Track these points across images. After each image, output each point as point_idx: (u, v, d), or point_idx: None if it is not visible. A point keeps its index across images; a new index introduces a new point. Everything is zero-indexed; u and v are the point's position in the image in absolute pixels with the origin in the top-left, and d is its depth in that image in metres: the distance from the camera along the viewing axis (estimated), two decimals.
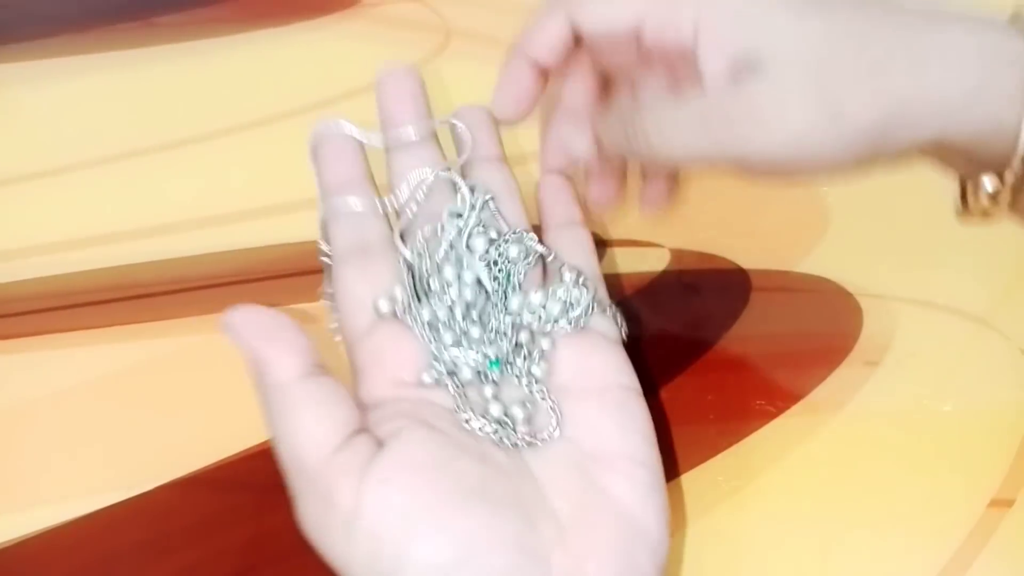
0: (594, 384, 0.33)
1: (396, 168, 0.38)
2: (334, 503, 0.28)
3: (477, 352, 0.33)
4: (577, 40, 0.37)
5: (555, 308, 0.34)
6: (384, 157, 0.38)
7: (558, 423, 0.32)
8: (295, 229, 0.46)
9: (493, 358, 0.33)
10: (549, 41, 0.36)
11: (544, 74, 0.37)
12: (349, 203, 0.36)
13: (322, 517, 0.28)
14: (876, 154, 0.33)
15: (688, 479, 0.38)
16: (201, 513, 0.38)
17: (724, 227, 0.45)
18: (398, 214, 0.37)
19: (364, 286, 0.34)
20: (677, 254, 0.45)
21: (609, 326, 0.36)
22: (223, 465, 0.39)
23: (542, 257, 0.36)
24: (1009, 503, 0.37)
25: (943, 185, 0.47)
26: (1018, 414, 0.39)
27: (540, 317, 0.34)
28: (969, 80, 0.31)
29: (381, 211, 0.36)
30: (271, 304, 0.43)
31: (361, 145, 0.37)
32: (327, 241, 0.36)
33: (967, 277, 0.45)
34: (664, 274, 0.44)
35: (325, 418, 0.29)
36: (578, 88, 0.39)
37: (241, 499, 0.38)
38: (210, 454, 0.38)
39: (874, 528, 0.37)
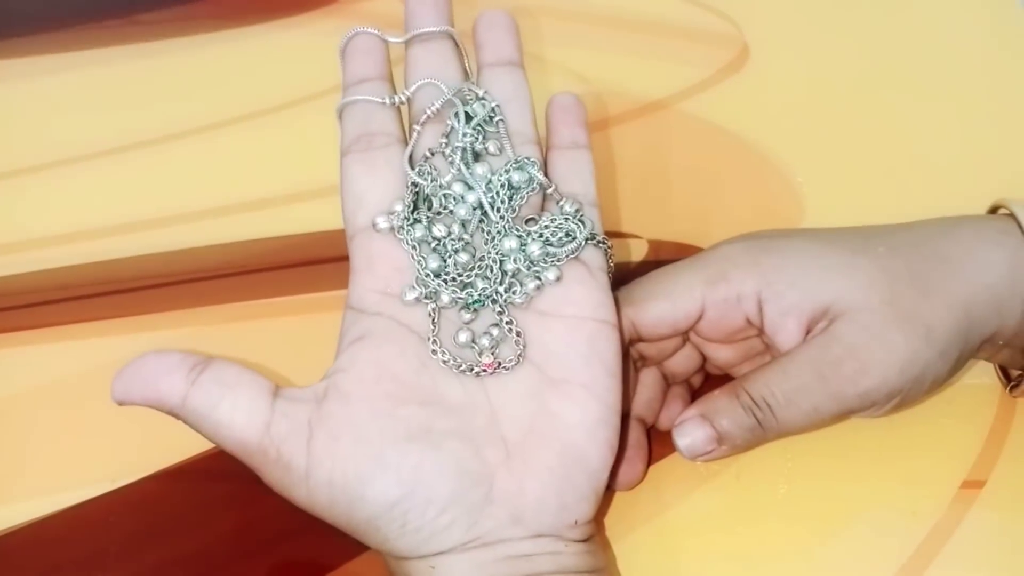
0: (571, 314, 0.34)
1: (411, 68, 0.38)
2: (289, 467, 0.31)
3: (462, 287, 0.34)
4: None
5: (546, 251, 0.35)
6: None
7: (521, 354, 0.34)
8: (280, 223, 0.47)
9: (477, 296, 0.34)
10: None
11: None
12: (360, 93, 0.37)
13: (282, 479, 0.31)
14: (961, 361, 0.36)
15: (668, 463, 0.39)
16: (190, 503, 0.38)
17: (701, 218, 0.46)
18: (411, 117, 0.37)
19: (365, 180, 0.36)
20: (655, 245, 0.45)
21: (599, 258, 0.36)
22: (211, 455, 0.39)
23: (542, 186, 0.36)
24: (980, 484, 0.38)
25: (914, 176, 0.48)
26: (989, 396, 0.40)
27: (530, 262, 0.35)
28: (1003, 271, 0.36)
29: (391, 104, 0.37)
30: (259, 297, 0.44)
31: (385, 49, 0.38)
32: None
33: None
34: (642, 265, 0.45)
35: (238, 403, 0.31)
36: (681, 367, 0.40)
37: (229, 488, 0.39)
38: (198, 445, 0.39)
39: (849, 509, 0.38)
